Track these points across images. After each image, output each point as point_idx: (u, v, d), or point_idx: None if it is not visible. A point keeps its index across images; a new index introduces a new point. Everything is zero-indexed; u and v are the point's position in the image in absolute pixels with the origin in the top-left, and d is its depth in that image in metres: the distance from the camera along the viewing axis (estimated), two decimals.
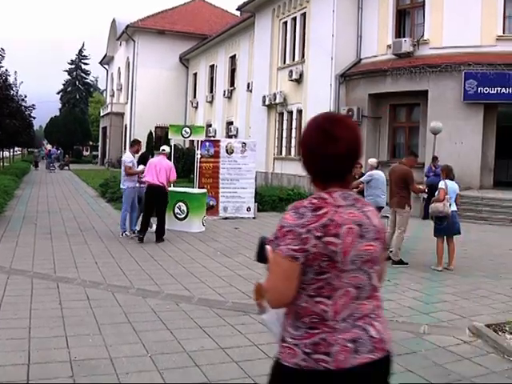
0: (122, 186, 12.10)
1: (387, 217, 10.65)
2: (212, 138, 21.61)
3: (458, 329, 6.09)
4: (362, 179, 11.01)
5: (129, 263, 9.12)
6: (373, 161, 11.47)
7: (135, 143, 12.45)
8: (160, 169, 11.25)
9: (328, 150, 2.22)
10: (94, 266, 8.86)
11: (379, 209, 11.08)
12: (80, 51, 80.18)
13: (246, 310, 6.53)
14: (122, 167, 11.91)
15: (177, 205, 12.87)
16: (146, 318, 6.12)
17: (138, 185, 11.87)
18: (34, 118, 33.36)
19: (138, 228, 11.78)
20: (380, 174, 11.03)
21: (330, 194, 2.23)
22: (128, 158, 11.85)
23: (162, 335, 5.59)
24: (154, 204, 11.38)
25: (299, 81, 24.77)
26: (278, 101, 26.06)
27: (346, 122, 2.30)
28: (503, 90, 18.39)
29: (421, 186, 10.83)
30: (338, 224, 2.15)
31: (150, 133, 37.71)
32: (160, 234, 11.42)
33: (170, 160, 12.34)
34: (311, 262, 2.13)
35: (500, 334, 5.84)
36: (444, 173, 9.65)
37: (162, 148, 12.11)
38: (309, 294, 2.18)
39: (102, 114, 53.45)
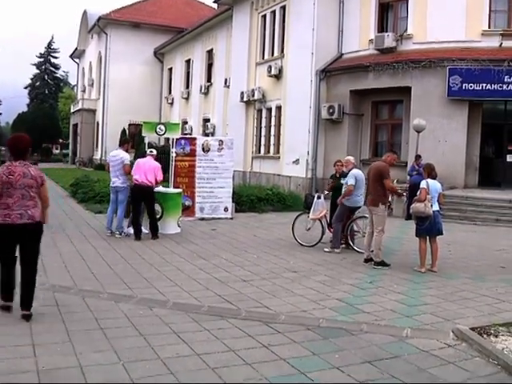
0: (120, 185, 12.17)
1: (365, 217, 10.71)
2: (188, 136, 21.49)
3: (442, 332, 6.14)
4: (349, 183, 10.89)
5: (100, 266, 9.04)
6: (351, 159, 11.60)
7: (126, 142, 13.10)
8: (148, 168, 11.95)
9: (10, 146, 6.21)
10: (64, 269, 8.77)
11: (356, 208, 11.16)
12: (49, 44, 79.31)
13: (223, 315, 6.52)
14: (114, 164, 12.16)
15: None
16: (119, 324, 6.08)
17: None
18: (0, 113, 32.92)
19: (125, 229, 12.36)
20: (360, 173, 11.09)
21: (15, 161, 6.07)
22: (126, 155, 12.30)
23: (135, 342, 5.55)
24: (141, 203, 12.08)
25: (278, 76, 24.83)
26: (256, 97, 26.10)
27: (19, 135, 6.44)
28: (488, 86, 18.62)
29: (398, 188, 10.92)
30: (14, 171, 6.00)
31: (124, 130, 37.44)
32: (155, 231, 12.09)
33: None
34: (3, 185, 5.95)
35: (485, 337, 5.89)
36: (426, 172, 9.70)
37: (149, 150, 12.79)
38: (3, 197, 5.96)
39: (72, 111, 52.88)
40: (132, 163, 12.48)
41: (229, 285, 8.05)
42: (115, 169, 12.18)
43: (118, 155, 12.23)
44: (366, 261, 9.93)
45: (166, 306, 6.90)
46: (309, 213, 11.66)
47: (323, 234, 11.65)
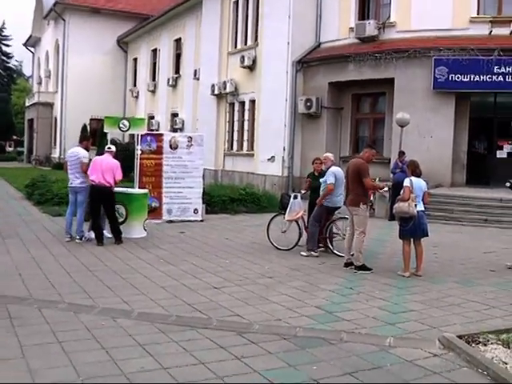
0: (78, 185, 12.08)
1: (346, 218, 10.77)
2: (154, 132, 21.41)
3: (427, 341, 6.19)
4: (329, 181, 10.95)
5: (59, 274, 8.95)
6: (329, 155, 11.67)
7: (86, 139, 12.97)
8: (106, 168, 11.78)
9: None
10: (18, 278, 8.65)
11: (336, 209, 11.23)
12: (0, 30, 78.26)
13: (193, 325, 6.51)
14: (72, 162, 12.11)
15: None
16: (78, 337, 6.02)
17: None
18: None
19: (86, 233, 12.22)
20: (340, 171, 11.16)
21: None
22: (84, 153, 12.16)
23: (97, 356, 5.50)
24: (99, 206, 11.96)
25: (252, 68, 24.86)
26: (228, 90, 26.12)
27: None
28: (477, 77, 18.79)
29: (380, 183, 11.01)
30: None
31: (84, 126, 37.04)
32: (118, 235, 12.04)
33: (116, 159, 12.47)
34: None
35: (473, 345, 5.94)
36: (410, 169, 9.80)
37: (107, 146, 12.59)
38: None
39: (27, 105, 52.24)
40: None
41: (199, 292, 8.04)
42: (73, 168, 12.09)
43: (76, 153, 12.16)
44: (347, 265, 10.00)
45: (130, 316, 6.85)
46: (285, 214, 11.69)
47: (300, 236, 11.69)
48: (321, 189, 11.13)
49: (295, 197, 11.64)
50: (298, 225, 11.73)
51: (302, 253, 11.20)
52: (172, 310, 7.13)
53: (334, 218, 11.39)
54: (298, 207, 11.59)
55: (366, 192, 9.96)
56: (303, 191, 12.04)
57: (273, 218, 12.20)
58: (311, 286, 8.67)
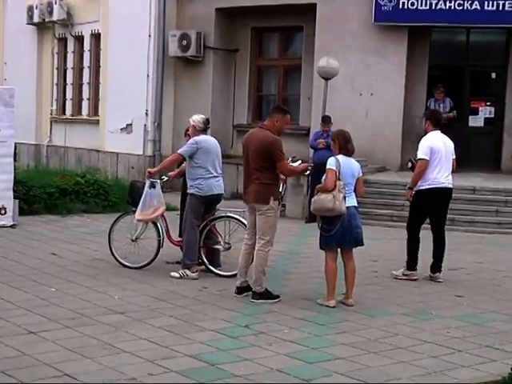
0: None
1: (231, 217, 10.84)
2: None
3: None
4: (180, 151, 11.04)
5: None
6: (197, 119, 11.40)
7: None
8: None
9: None
10: None
11: (214, 200, 11.23)
12: None
13: None
14: None
15: None
16: None
17: None
18: None
19: None
20: (211, 141, 11.15)
21: None
22: None
23: None
24: None
25: None
26: (56, 17, 25.82)
27: None
28: (440, 3, 19.20)
29: (302, 164, 11.05)
30: None
31: None
32: None
33: None
34: None
35: None
36: (337, 143, 9.86)
37: None
38: None
39: None
40: None
41: (3, 341, 7.86)
42: None
43: None
44: (240, 291, 10.06)
45: None
46: (135, 212, 11.61)
47: (160, 246, 11.69)
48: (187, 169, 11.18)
49: (152, 185, 11.40)
50: (158, 228, 11.67)
51: (173, 273, 11.19)
52: None
53: (212, 216, 11.46)
54: (156, 201, 11.40)
55: (277, 181, 10.04)
56: (165, 178, 11.88)
57: (117, 220, 12.21)
58: (185, 324, 8.70)
